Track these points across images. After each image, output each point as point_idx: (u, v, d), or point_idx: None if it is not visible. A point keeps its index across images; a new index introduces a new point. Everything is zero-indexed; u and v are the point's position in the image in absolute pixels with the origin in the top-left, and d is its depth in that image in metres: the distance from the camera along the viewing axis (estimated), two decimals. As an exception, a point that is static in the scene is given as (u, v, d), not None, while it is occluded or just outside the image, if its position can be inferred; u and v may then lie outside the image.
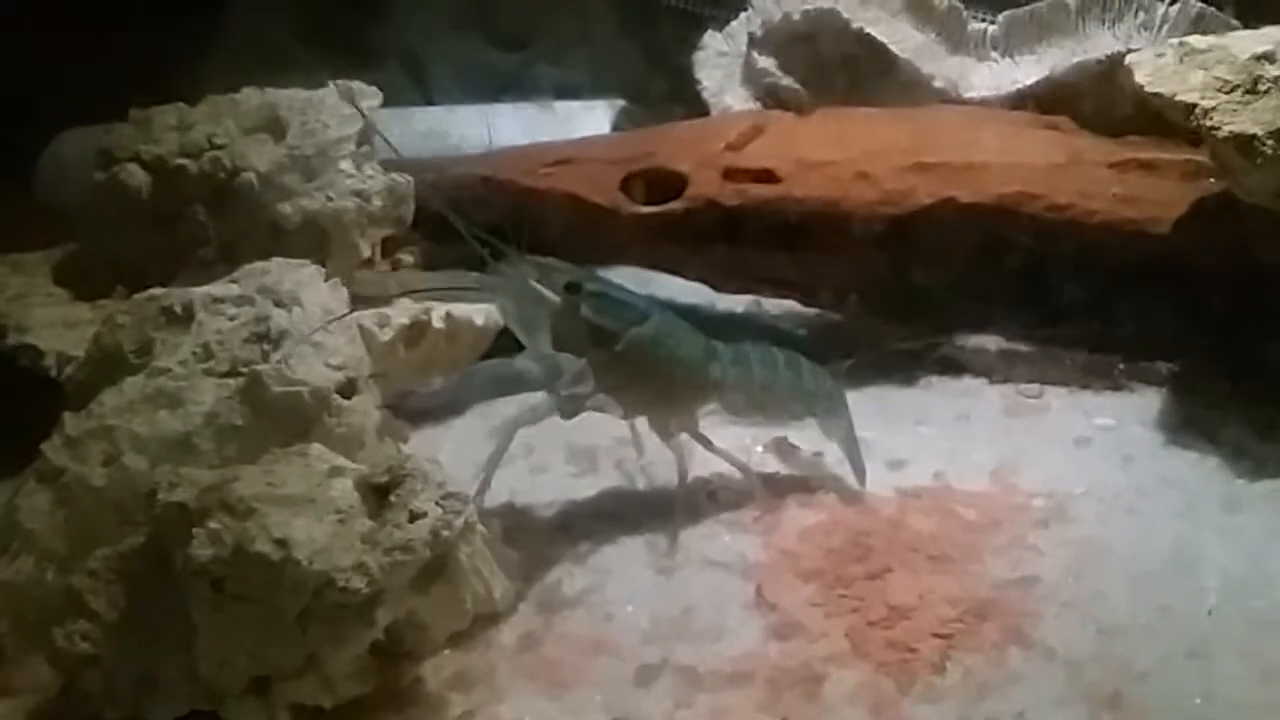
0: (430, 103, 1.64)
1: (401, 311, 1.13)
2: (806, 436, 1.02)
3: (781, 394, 0.96)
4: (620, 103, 1.53)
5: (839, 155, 1.16)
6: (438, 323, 1.13)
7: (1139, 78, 0.97)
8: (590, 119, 1.51)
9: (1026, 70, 1.30)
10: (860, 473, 0.97)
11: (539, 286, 0.85)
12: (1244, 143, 0.93)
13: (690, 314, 1.31)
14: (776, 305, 1.29)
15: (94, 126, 1.38)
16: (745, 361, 0.96)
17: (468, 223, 0.83)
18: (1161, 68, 0.97)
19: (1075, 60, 1.25)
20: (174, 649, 0.74)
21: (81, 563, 0.77)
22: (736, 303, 1.33)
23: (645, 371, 0.88)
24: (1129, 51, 1.09)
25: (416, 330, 1.12)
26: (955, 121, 1.23)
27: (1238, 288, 1.06)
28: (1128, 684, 0.74)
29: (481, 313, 1.17)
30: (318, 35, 1.64)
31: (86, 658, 0.76)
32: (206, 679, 0.73)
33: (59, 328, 1.09)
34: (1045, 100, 1.27)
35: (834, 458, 1.00)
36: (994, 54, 1.33)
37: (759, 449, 1.04)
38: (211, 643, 0.72)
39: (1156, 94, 0.97)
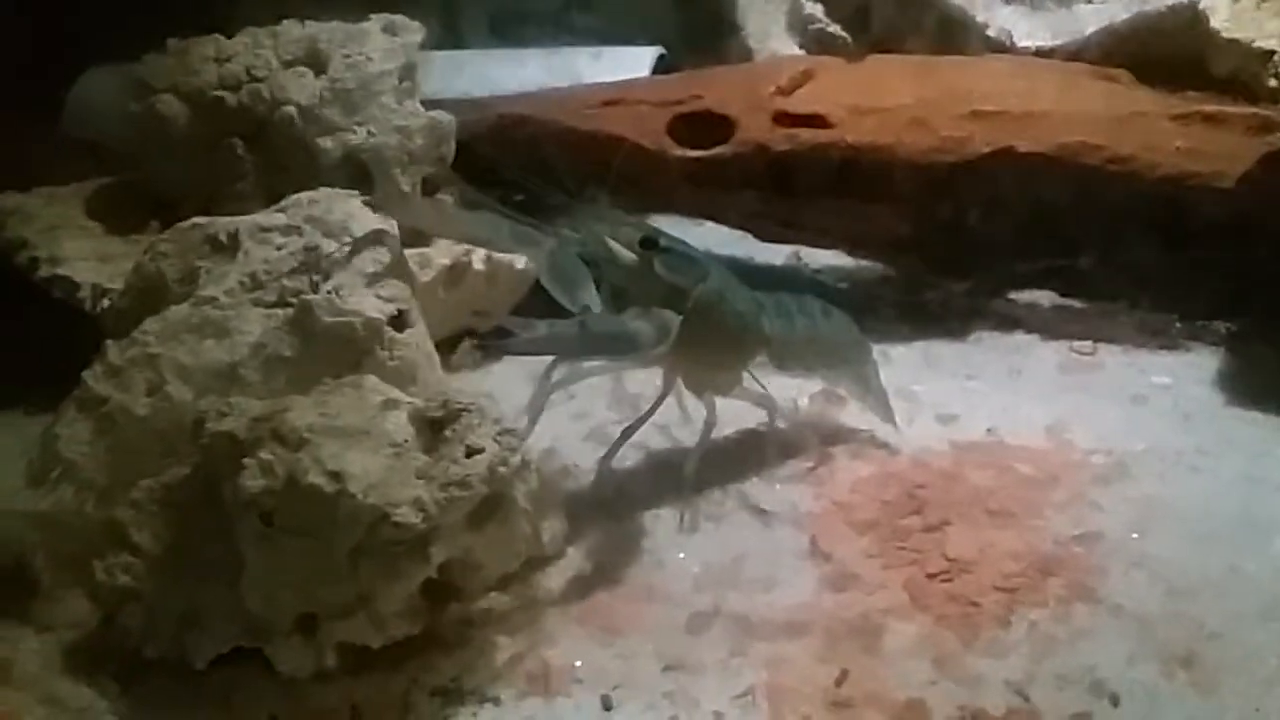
0: (463, 48, 1.61)
1: (442, 252, 1.10)
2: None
3: (822, 344, 0.94)
4: (659, 49, 1.49)
5: (893, 101, 1.12)
6: (478, 264, 1.11)
7: (1215, 22, 0.94)
8: (629, 64, 1.47)
9: (1084, 20, 1.26)
10: (890, 418, 0.95)
11: (615, 244, 0.81)
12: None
13: (730, 266, 1.31)
14: (815, 258, 1.27)
15: (124, 64, 1.36)
16: (788, 314, 0.93)
17: (537, 175, 0.79)
18: (1239, 13, 0.94)
19: (1136, 10, 1.22)
20: (219, 584, 0.72)
21: (123, 494, 0.75)
22: (776, 254, 1.31)
23: (708, 328, 0.85)
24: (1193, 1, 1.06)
25: (457, 271, 1.09)
26: (1011, 70, 1.19)
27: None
28: (1200, 643, 0.72)
29: (523, 255, 1.15)
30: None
31: (127, 592, 0.74)
32: (252, 615, 0.72)
33: (93, 260, 1.06)
34: (1103, 51, 1.24)
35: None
36: (1049, 3, 1.29)
37: (805, 400, 1.02)
38: (259, 578, 0.70)
39: (1233, 40, 0.93)
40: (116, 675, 0.74)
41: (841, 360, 0.96)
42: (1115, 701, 0.69)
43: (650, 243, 0.82)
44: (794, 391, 1.00)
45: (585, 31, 1.64)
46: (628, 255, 0.81)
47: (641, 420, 0.86)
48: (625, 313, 0.77)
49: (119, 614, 0.74)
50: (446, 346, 1.09)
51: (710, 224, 1.25)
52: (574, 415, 1.01)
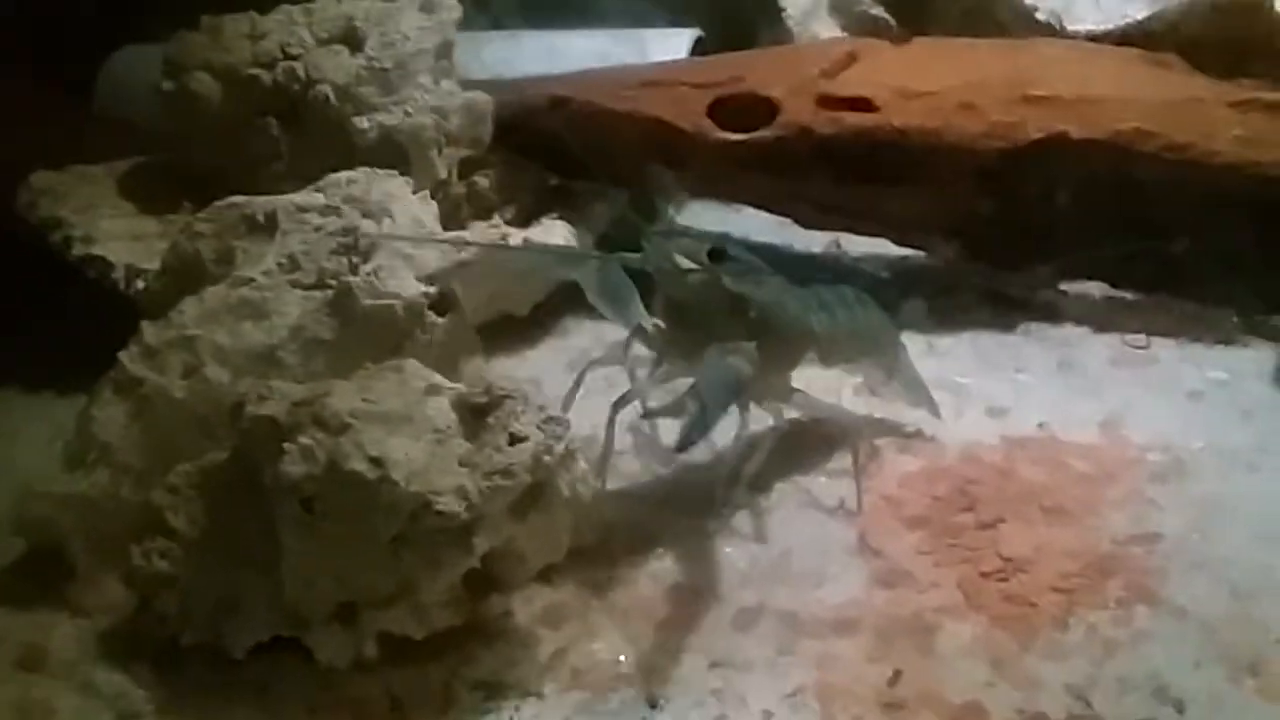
0: (497, 28, 1.59)
1: (480, 234, 1.09)
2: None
3: (862, 335, 0.92)
4: (696, 31, 1.47)
5: (940, 85, 1.09)
6: (514, 249, 1.09)
7: (1280, 5, 0.90)
8: (666, 47, 1.45)
9: (1136, 4, 1.23)
10: (934, 408, 0.93)
11: (684, 260, 0.78)
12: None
13: (769, 254, 1.28)
14: (855, 245, 1.24)
15: (156, 44, 1.35)
16: (829, 307, 0.91)
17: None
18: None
19: (1192, -6, 1.18)
20: (257, 571, 0.71)
21: (160, 478, 0.74)
22: (814, 242, 1.28)
23: (768, 333, 0.81)
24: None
25: (492, 257, 1.07)
26: (1062, 55, 1.16)
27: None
28: (1269, 648, 0.70)
29: (561, 239, 1.13)
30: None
31: (164, 577, 0.73)
32: (291, 603, 0.70)
33: (126, 240, 1.05)
34: (1154, 36, 1.20)
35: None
36: (1101, -13, 1.26)
37: (849, 392, 0.99)
38: (298, 565, 0.69)
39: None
40: (152, 663, 0.73)
41: (877, 349, 0.94)
42: (1180, 708, 0.67)
43: (719, 254, 0.79)
44: (836, 383, 0.98)
45: (617, 14, 1.62)
46: (696, 270, 0.78)
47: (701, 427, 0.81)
48: (710, 352, 0.74)
49: (155, 600, 0.73)
50: (482, 332, 1.08)
51: (749, 210, 1.24)
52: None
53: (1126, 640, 0.72)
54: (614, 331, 0.99)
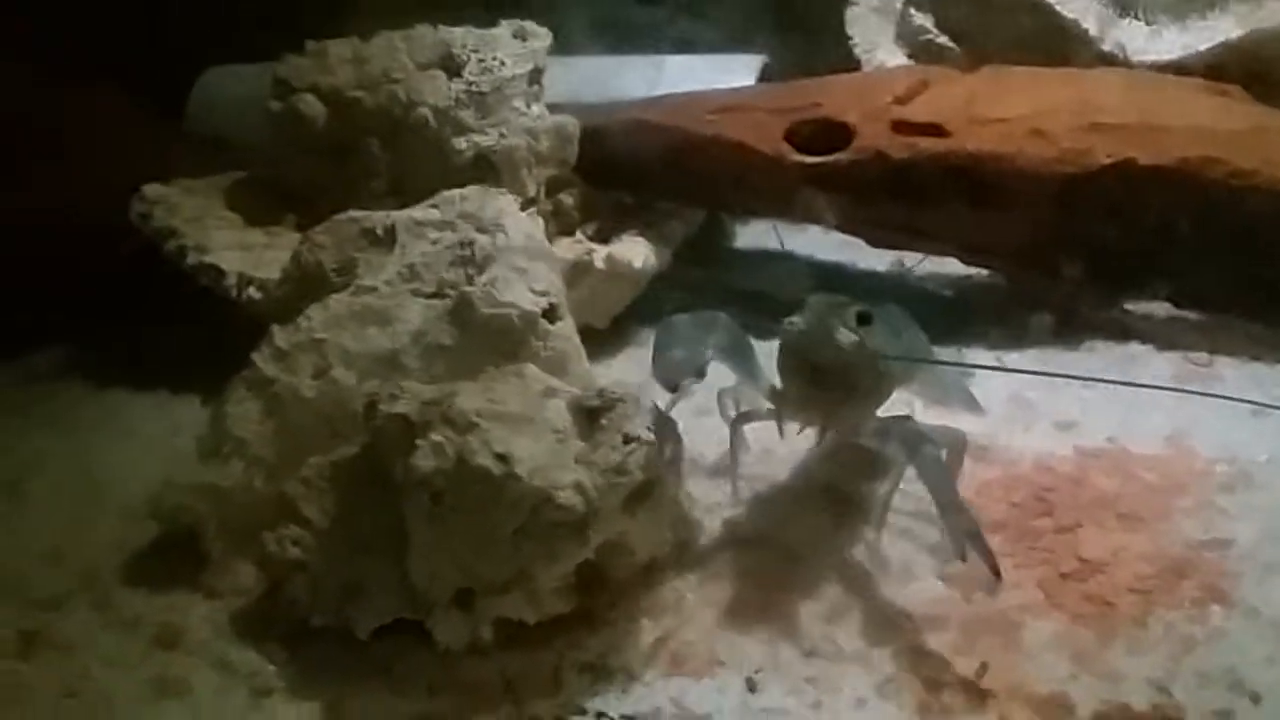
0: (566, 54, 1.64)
1: (565, 249, 1.14)
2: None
3: (918, 353, 0.94)
4: (764, 56, 1.52)
5: (1010, 112, 1.14)
6: (600, 263, 1.15)
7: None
8: (735, 72, 1.50)
9: (1198, 35, 1.27)
10: (977, 408, 0.97)
11: (839, 327, 0.80)
12: None
13: (836, 274, 1.33)
14: (920, 265, 1.28)
15: (241, 65, 1.42)
16: (896, 331, 0.92)
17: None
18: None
19: (1252, 26, 1.22)
20: (383, 559, 0.76)
21: (291, 470, 0.79)
22: (879, 261, 1.33)
23: (880, 377, 0.85)
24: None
25: (580, 269, 1.13)
26: (1127, 83, 1.20)
27: None
28: (1336, 648, 0.73)
29: (641, 255, 1.18)
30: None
31: (295, 563, 0.78)
32: (414, 589, 0.75)
33: (236, 250, 1.11)
34: (1216, 68, 1.25)
35: (1000, 415, 1.00)
36: (1163, 17, 1.30)
37: (919, 403, 1.03)
38: (425, 554, 0.74)
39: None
40: (283, 642, 0.78)
41: (927, 365, 0.96)
42: (1256, 700, 0.71)
43: (866, 318, 0.82)
44: (907, 395, 1.02)
45: (680, 40, 1.67)
46: (849, 336, 0.80)
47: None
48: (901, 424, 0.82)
49: (287, 584, 0.78)
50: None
51: (815, 229, 1.28)
52: (696, 411, 1.03)
53: (1203, 638, 0.75)
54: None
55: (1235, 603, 0.78)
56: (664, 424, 0.78)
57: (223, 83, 1.46)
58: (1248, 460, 0.93)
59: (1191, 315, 1.14)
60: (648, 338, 1.19)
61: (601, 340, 1.17)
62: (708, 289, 1.23)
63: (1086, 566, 0.81)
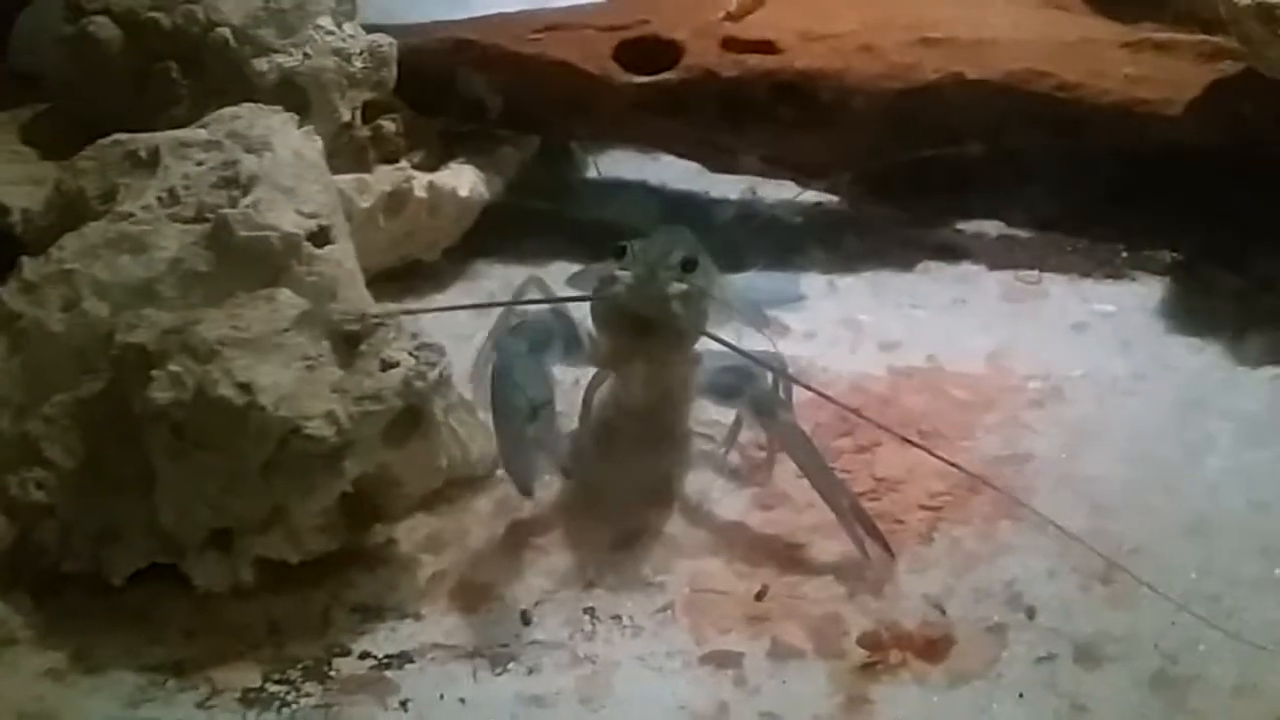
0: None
1: (382, 179, 1.09)
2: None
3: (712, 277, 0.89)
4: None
5: (842, 27, 1.11)
6: (420, 192, 1.10)
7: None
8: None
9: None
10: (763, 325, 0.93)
11: (669, 286, 0.78)
12: (1266, 11, 0.88)
13: (686, 203, 1.29)
14: (769, 191, 1.25)
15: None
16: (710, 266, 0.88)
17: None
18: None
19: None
20: (134, 499, 0.72)
21: (37, 410, 0.74)
22: (731, 189, 1.29)
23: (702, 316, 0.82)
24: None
25: (398, 199, 1.08)
26: (962, -2, 1.18)
27: (1250, 174, 1.02)
28: (1121, 558, 0.72)
29: (467, 183, 1.13)
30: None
31: (42, 507, 0.73)
32: (166, 530, 0.71)
33: (26, 184, 1.04)
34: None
35: (827, 337, 0.98)
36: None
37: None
38: (171, 492, 0.70)
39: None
40: (31, 591, 0.73)
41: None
42: (1031, 614, 0.69)
43: (691, 264, 0.79)
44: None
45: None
46: (679, 287, 0.78)
47: None
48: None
49: (35, 530, 0.73)
50: (391, 276, 1.08)
51: (666, 157, 1.24)
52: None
53: (987, 553, 0.74)
54: (521, 276, 1.00)
55: (1024, 517, 0.76)
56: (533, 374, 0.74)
57: (44, 14, 1.37)
58: (1061, 376, 0.92)
59: (1022, 233, 1.12)
60: (481, 271, 1.16)
61: (432, 273, 1.13)
62: (548, 220, 1.19)
63: (881, 485, 0.80)
